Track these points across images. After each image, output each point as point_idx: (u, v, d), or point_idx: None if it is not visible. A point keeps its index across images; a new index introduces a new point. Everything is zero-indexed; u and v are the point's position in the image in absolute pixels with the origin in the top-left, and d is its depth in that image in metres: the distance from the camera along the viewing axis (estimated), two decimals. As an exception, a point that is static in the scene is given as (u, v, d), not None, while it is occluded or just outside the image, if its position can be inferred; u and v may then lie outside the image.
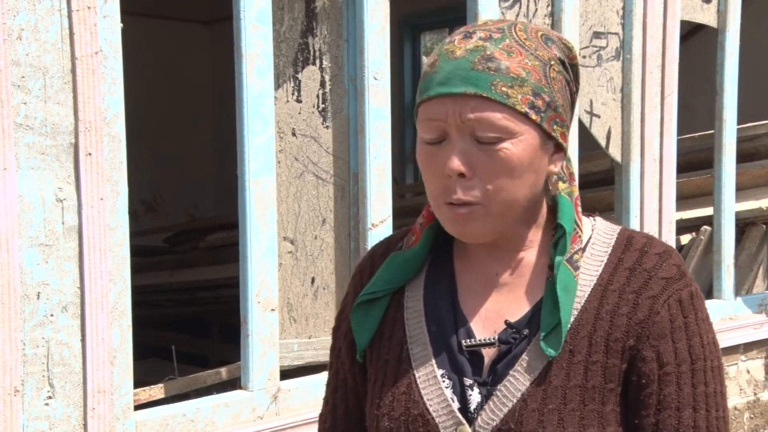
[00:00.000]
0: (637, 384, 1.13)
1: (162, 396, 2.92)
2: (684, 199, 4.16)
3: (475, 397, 1.15)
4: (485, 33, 1.12)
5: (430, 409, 1.15)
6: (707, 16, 3.97)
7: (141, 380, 2.84)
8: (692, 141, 4.48)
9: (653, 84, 3.67)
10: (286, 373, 2.83)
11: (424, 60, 7.17)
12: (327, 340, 2.88)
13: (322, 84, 2.88)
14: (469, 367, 1.16)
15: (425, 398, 1.16)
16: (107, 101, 2.33)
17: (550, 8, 3.39)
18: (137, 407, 2.52)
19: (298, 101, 2.84)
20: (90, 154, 2.29)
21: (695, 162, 4.45)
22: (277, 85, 2.75)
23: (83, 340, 2.31)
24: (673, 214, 3.82)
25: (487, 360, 1.16)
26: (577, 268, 1.15)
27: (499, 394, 1.13)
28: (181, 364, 3.87)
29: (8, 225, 2.18)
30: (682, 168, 4.04)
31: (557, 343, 1.11)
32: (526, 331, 1.15)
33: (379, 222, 2.92)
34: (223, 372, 3.18)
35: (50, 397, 2.28)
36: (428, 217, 1.24)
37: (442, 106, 1.10)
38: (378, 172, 2.91)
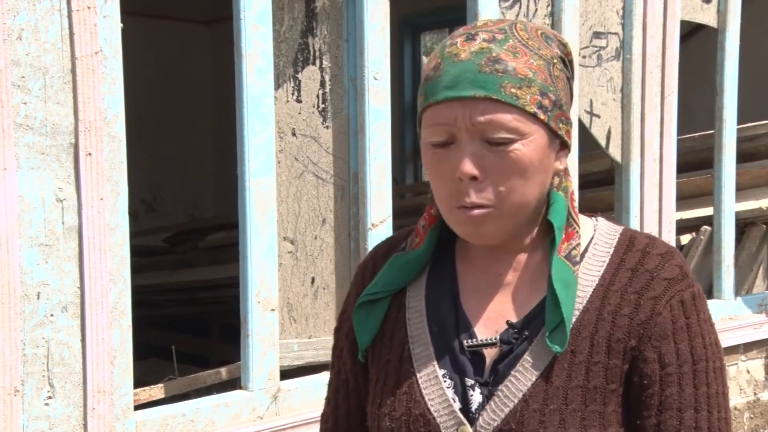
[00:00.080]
0: (638, 385, 1.13)
1: (162, 396, 2.92)
2: (684, 199, 4.16)
3: (476, 397, 1.15)
4: (488, 34, 1.12)
5: (432, 409, 1.15)
6: (707, 16, 3.97)
7: (141, 380, 2.84)
8: (692, 141, 4.48)
9: (653, 84, 3.67)
10: (286, 373, 2.83)
11: (424, 60, 7.17)
12: (327, 340, 2.89)
13: (322, 84, 2.88)
14: (471, 368, 1.16)
15: (426, 398, 1.16)
16: (107, 101, 2.33)
17: (550, 8, 3.39)
18: (137, 407, 2.52)
19: (298, 101, 2.84)
20: (90, 154, 2.29)
21: (695, 162, 4.44)
22: (277, 85, 2.75)
23: (83, 340, 2.31)
24: (673, 214, 3.82)
25: (488, 360, 1.16)
26: (575, 264, 1.15)
27: (500, 394, 1.13)
28: (181, 364, 3.87)
29: (8, 225, 2.18)
30: (682, 168, 4.04)
31: (563, 340, 1.11)
32: (527, 332, 1.15)
33: (379, 222, 2.92)
34: (223, 372, 3.18)
35: (50, 397, 2.28)
36: (430, 220, 1.24)
37: (450, 109, 1.10)
38: (378, 172, 2.91)
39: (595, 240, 1.20)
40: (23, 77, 2.19)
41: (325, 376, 2.70)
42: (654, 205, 3.72)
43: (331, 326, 2.90)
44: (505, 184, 1.11)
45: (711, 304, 3.73)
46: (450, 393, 1.16)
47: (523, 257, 1.20)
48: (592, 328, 1.13)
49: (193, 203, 7.50)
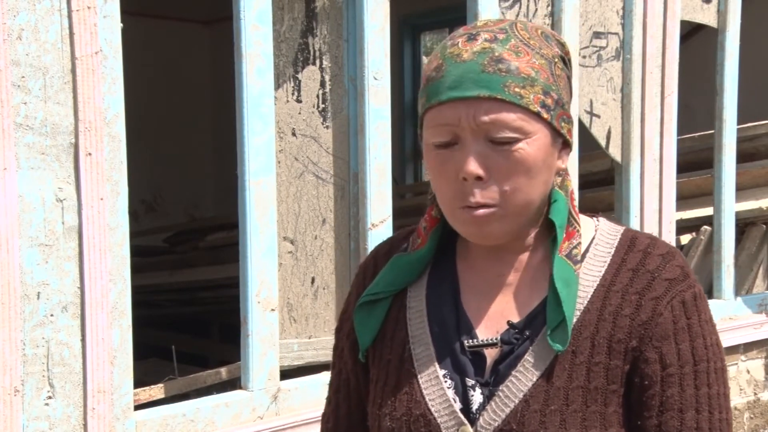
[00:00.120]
0: (639, 385, 1.13)
1: (162, 396, 2.92)
2: (684, 199, 4.16)
3: (477, 397, 1.15)
4: (490, 34, 1.12)
5: (432, 409, 1.15)
6: (707, 16, 3.97)
7: (141, 380, 2.84)
8: (692, 141, 4.48)
9: (653, 84, 3.67)
10: (286, 373, 2.83)
11: (424, 60, 7.17)
12: (327, 340, 2.89)
13: (322, 84, 2.88)
14: (472, 368, 1.16)
15: (427, 398, 1.16)
16: (107, 101, 2.33)
17: (550, 8, 3.39)
18: (137, 407, 2.52)
19: (298, 101, 2.84)
20: (90, 154, 2.29)
21: (695, 162, 4.44)
22: (277, 85, 2.75)
23: (83, 340, 2.31)
24: (673, 214, 3.82)
25: (489, 360, 1.16)
26: (576, 262, 1.15)
27: (501, 394, 1.13)
28: (181, 364, 3.87)
29: (8, 225, 2.18)
30: (682, 168, 4.04)
31: (564, 339, 1.11)
32: (528, 332, 1.15)
33: (379, 222, 2.92)
34: (223, 372, 3.18)
35: (50, 397, 2.28)
36: (432, 221, 1.24)
37: (454, 110, 1.10)
38: (378, 172, 2.91)
39: (596, 240, 1.20)
40: (23, 77, 2.19)
41: (325, 376, 2.70)
42: (654, 205, 3.72)
43: (331, 326, 2.90)
44: (510, 183, 1.10)
45: (711, 304, 3.72)
46: (451, 393, 1.16)
47: (523, 257, 1.19)
48: (593, 328, 1.13)
49: (193, 203, 7.50)
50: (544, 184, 1.14)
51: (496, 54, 1.10)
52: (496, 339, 1.16)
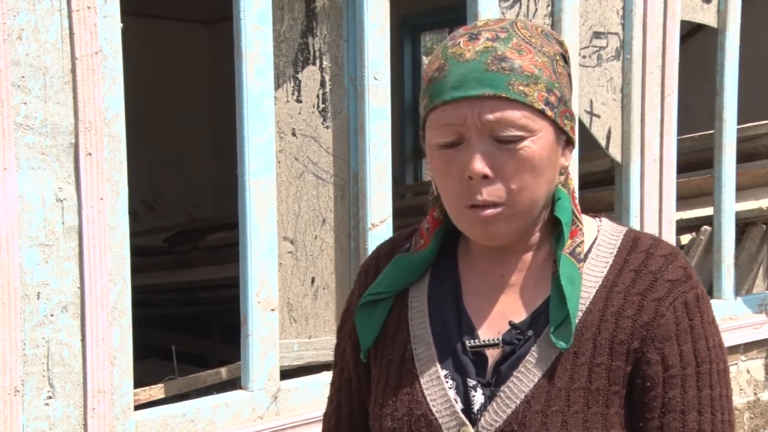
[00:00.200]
0: (641, 387, 1.12)
1: (162, 396, 2.92)
2: (684, 199, 4.16)
3: (478, 398, 1.15)
4: (491, 33, 1.12)
5: (433, 409, 1.15)
6: (707, 16, 3.97)
7: (141, 380, 2.84)
8: (692, 141, 4.48)
9: (653, 84, 3.67)
10: (286, 373, 2.83)
11: (424, 60, 7.17)
12: (327, 340, 2.89)
13: (322, 84, 2.88)
14: (473, 368, 1.16)
15: (428, 399, 1.16)
16: (107, 101, 2.32)
17: (550, 8, 3.39)
18: (137, 407, 2.52)
19: (298, 101, 2.84)
20: (90, 154, 2.29)
21: (695, 162, 4.44)
22: (277, 85, 2.75)
23: (83, 340, 2.31)
24: (673, 214, 3.82)
25: (491, 361, 1.16)
26: (580, 261, 1.15)
27: (502, 395, 1.13)
28: (181, 364, 3.86)
29: (8, 225, 2.17)
30: (682, 168, 4.04)
31: (567, 336, 1.10)
32: (530, 333, 1.15)
33: (379, 222, 2.92)
34: (223, 372, 3.18)
35: (50, 397, 2.27)
36: (434, 222, 1.24)
37: (458, 109, 1.10)
38: (378, 172, 2.91)
39: (598, 240, 1.20)
40: (23, 77, 2.19)
41: (325, 376, 2.70)
42: (654, 205, 3.72)
43: (331, 326, 2.90)
44: (516, 181, 1.10)
45: (711, 304, 3.72)
46: (452, 393, 1.15)
47: (527, 257, 1.19)
48: (595, 329, 1.13)
49: (193, 203, 7.49)
50: (549, 182, 1.14)
51: (499, 52, 1.10)
52: (497, 339, 1.15)
